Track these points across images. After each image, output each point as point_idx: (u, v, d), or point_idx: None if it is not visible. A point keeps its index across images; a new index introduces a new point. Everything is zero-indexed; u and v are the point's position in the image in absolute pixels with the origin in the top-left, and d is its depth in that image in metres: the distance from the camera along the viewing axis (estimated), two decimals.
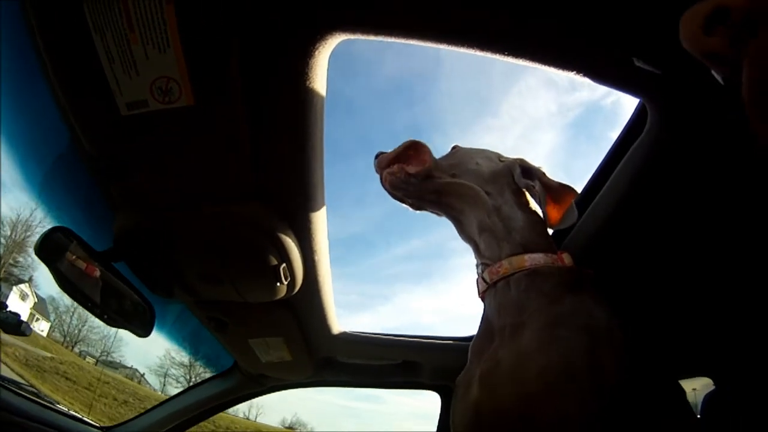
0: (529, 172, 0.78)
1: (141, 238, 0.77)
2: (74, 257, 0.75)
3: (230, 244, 0.79)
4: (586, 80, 0.57)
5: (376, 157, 0.86)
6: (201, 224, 0.75)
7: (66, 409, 1.32)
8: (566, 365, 0.56)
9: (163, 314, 1.17)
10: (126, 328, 0.89)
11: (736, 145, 0.59)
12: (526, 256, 0.69)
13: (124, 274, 0.85)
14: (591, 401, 0.54)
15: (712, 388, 1.16)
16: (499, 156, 0.85)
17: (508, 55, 0.55)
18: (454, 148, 0.90)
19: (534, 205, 0.78)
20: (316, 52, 0.55)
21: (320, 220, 0.82)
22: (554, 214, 0.74)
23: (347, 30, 0.54)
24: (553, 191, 0.74)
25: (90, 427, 1.28)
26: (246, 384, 1.52)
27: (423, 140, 0.82)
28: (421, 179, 0.80)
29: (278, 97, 0.60)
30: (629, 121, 0.67)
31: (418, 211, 0.86)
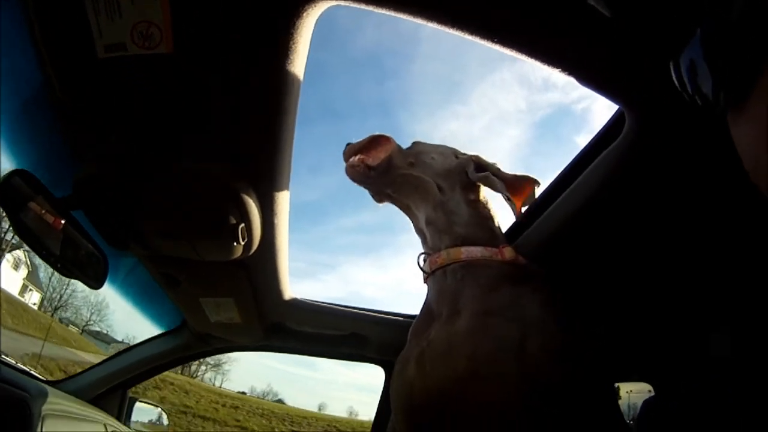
0: (482, 168, 0.81)
1: (102, 187, 0.74)
2: (34, 204, 0.72)
3: (191, 200, 0.77)
4: (563, 81, 0.57)
5: (346, 146, 0.89)
6: (164, 178, 0.74)
7: (13, 362, 1.28)
8: (495, 352, 0.59)
9: (116, 267, 1.13)
10: (79, 279, 0.86)
11: (712, 160, 0.60)
12: (463, 249, 0.72)
13: (81, 223, 0.82)
14: (515, 389, 0.56)
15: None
16: (455, 152, 0.87)
17: (497, 43, 0.54)
18: (414, 143, 0.91)
19: (487, 201, 0.81)
20: (304, 14, 0.54)
21: (284, 184, 0.81)
22: (517, 203, 0.77)
23: None
24: (509, 183, 0.77)
25: (36, 381, 1.24)
26: (194, 343, 1.51)
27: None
28: (379, 172, 0.84)
29: (259, 56, 0.58)
30: (605, 125, 0.67)
31: (380, 204, 0.89)
